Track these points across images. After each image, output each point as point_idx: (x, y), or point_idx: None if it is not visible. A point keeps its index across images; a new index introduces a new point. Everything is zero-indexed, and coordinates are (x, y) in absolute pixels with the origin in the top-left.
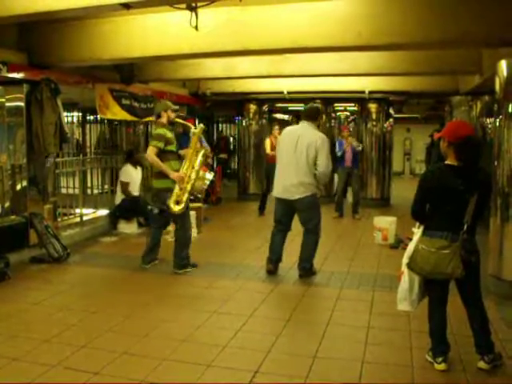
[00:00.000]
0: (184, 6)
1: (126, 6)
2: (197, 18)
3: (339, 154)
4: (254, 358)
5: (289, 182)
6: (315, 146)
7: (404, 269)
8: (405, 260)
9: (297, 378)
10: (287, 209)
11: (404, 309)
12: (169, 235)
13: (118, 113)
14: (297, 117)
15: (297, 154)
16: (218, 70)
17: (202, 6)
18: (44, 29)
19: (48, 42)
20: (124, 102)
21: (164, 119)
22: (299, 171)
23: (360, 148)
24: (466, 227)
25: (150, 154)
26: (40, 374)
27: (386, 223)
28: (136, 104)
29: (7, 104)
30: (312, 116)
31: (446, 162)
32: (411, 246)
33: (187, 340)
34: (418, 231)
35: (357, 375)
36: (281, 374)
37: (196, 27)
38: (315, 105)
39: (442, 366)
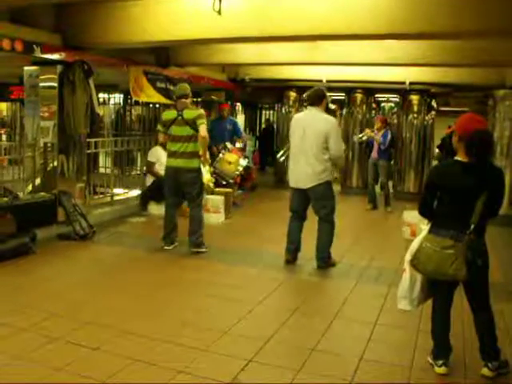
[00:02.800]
0: None
1: None
2: (220, 2)
3: (383, 147)
4: (252, 347)
5: (301, 170)
6: (324, 132)
7: (406, 266)
8: (407, 257)
9: (288, 371)
10: (302, 198)
11: (403, 308)
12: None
13: (152, 95)
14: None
15: (305, 142)
16: (251, 55)
17: None
18: (78, 11)
19: (81, 24)
20: (159, 84)
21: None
22: (310, 159)
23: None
24: (472, 227)
25: (206, 132)
26: (41, 345)
27: (415, 218)
28: (171, 87)
29: (41, 84)
30: (315, 100)
31: (456, 158)
32: (415, 244)
33: (189, 324)
34: (425, 228)
35: (351, 372)
36: (274, 364)
37: (219, 12)
38: (317, 88)
39: (441, 370)
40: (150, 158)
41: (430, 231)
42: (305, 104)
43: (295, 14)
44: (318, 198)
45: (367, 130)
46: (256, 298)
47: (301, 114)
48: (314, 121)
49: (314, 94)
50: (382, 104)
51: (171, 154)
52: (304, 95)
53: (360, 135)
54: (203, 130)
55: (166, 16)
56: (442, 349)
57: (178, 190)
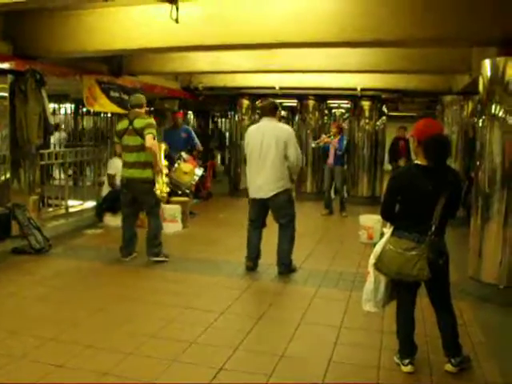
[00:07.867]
0: None
1: None
2: (177, 10)
3: (340, 152)
4: (220, 355)
5: (261, 181)
6: (283, 140)
7: (370, 269)
8: (371, 260)
9: (259, 376)
10: (262, 208)
11: (369, 310)
12: None
13: (106, 105)
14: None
15: (264, 152)
16: (205, 64)
17: None
18: (29, 19)
19: (33, 32)
20: (112, 94)
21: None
22: (270, 168)
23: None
24: (433, 228)
25: (153, 141)
26: (4, 364)
27: (371, 222)
28: (125, 96)
29: None
30: (269, 111)
31: (416, 162)
32: (379, 247)
33: (155, 335)
34: (388, 231)
35: (321, 375)
36: (244, 371)
37: (176, 20)
38: (270, 100)
39: (408, 368)
40: (110, 170)
41: (392, 234)
42: (258, 115)
43: (251, 22)
44: (279, 207)
45: (324, 136)
46: (220, 307)
47: (256, 126)
48: (272, 130)
49: (268, 106)
50: (333, 110)
51: (124, 165)
52: (257, 104)
53: (317, 141)
54: (148, 139)
55: (123, 24)
56: (407, 348)
57: (133, 201)
